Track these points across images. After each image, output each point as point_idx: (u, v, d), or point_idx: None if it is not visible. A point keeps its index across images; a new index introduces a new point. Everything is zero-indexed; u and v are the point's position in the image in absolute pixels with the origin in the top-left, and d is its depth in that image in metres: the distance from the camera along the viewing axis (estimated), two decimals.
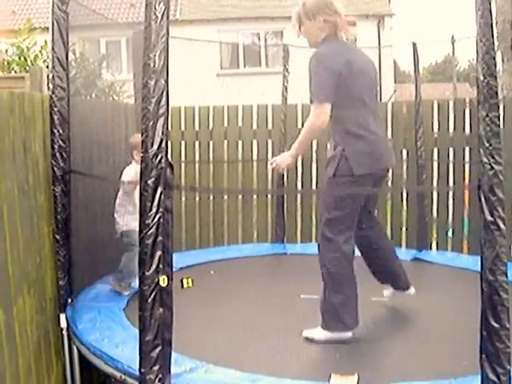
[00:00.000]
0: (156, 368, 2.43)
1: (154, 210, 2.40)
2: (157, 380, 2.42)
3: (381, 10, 16.10)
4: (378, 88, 3.45)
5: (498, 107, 2.14)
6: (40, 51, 6.53)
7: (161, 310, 2.43)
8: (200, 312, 3.78)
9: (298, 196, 6.02)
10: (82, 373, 3.60)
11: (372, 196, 3.40)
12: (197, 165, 5.93)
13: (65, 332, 3.55)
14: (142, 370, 2.44)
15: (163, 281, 2.44)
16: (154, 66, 2.35)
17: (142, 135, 2.39)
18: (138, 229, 3.99)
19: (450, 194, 5.68)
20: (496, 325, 2.20)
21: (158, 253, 2.43)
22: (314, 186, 5.83)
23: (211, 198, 5.96)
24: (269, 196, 5.96)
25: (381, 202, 5.68)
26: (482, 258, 2.23)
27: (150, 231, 2.41)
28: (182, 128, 5.98)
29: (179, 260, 5.00)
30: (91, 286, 4.01)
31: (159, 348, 2.44)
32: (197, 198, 5.97)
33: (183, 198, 5.83)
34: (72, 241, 3.63)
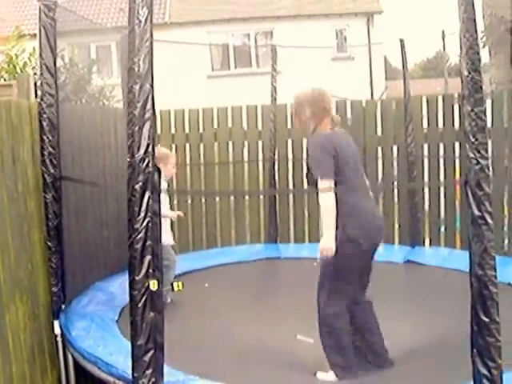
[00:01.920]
0: (149, 372, 2.43)
1: (143, 214, 2.39)
2: None
3: (370, 8, 16.12)
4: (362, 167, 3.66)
5: (483, 102, 2.15)
6: (29, 58, 6.51)
7: (152, 314, 2.43)
8: (193, 325, 3.78)
9: (290, 196, 6.02)
10: (77, 379, 3.59)
11: (367, 270, 3.46)
12: (188, 167, 5.90)
13: (59, 338, 3.53)
14: (135, 375, 2.43)
15: (153, 285, 2.43)
16: (139, 70, 2.35)
17: (128, 140, 2.38)
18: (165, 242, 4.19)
19: (442, 189, 5.70)
20: (486, 319, 2.20)
21: (148, 257, 2.42)
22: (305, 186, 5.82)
23: (203, 199, 5.95)
24: (261, 196, 5.97)
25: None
26: (470, 252, 2.23)
27: (139, 236, 2.40)
28: (172, 131, 5.97)
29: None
30: (84, 293, 3.99)
31: (151, 352, 2.43)
32: (189, 201, 5.96)
33: (175, 201, 5.82)
34: (64, 247, 3.63)
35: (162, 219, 3.99)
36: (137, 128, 2.36)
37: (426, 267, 4.95)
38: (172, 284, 4.27)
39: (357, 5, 16.29)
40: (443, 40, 14.82)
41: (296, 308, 3.93)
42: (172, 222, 5.84)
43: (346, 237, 3.25)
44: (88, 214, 4.16)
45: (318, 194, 3.37)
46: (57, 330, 3.54)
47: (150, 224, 2.41)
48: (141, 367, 2.43)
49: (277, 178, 5.83)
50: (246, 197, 6.04)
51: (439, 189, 5.67)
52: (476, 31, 2.13)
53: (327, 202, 3.25)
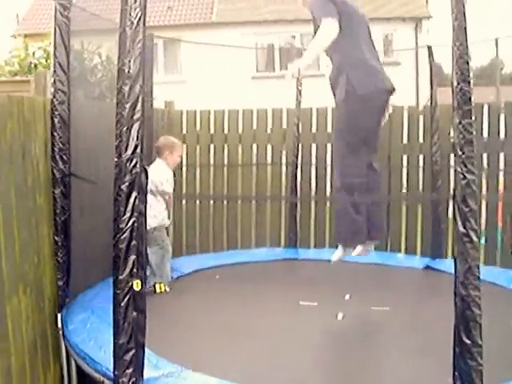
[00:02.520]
0: (129, 371, 2.45)
1: (128, 214, 2.41)
2: (130, 383, 2.43)
3: (418, 13, 15.80)
4: (370, 29, 3.92)
5: (471, 114, 2.06)
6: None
7: (134, 313, 2.45)
8: (196, 317, 3.80)
9: (312, 201, 5.96)
10: (79, 373, 3.64)
11: (375, 128, 3.74)
12: (211, 168, 5.92)
13: (61, 332, 3.59)
14: (116, 373, 2.46)
15: (137, 285, 2.45)
16: (129, 71, 2.36)
17: (115, 140, 2.40)
18: (164, 222, 4.38)
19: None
20: (468, 341, 2.12)
21: (132, 257, 2.44)
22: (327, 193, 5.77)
23: (225, 202, 5.96)
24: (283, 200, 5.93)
25: (395, 208, 5.60)
26: (455, 271, 2.15)
27: (124, 235, 2.42)
28: (198, 131, 6.00)
29: (187, 263, 5.08)
30: (92, 287, 4.04)
31: (132, 352, 2.45)
32: (211, 202, 5.98)
33: (197, 202, 5.85)
34: (72, 242, 3.68)
35: (160, 199, 4.31)
36: (125, 128, 2.38)
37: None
38: (154, 285, 4.32)
39: (405, 9, 15.99)
40: (496, 46, 14.38)
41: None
42: (194, 224, 5.93)
43: (353, 90, 3.51)
44: (98, 211, 4.20)
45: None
46: (60, 324, 3.60)
47: (135, 224, 2.43)
48: (122, 366, 2.45)
49: (299, 182, 5.77)
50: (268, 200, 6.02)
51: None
52: (467, 40, 2.05)
53: (322, 32, 3.43)
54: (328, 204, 5.74)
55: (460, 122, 2.07)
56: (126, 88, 2.37)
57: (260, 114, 5.91)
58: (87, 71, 6.11)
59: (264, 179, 5.92)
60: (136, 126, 2.39)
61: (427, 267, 5.02)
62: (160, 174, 4.41)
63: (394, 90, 3.84)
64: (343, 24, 3.48)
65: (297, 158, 5.73)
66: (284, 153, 5.89)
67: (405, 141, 5.65)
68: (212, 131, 5.98)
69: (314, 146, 5.82)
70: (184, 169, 5.93)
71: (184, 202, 6.03)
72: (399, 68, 15.64)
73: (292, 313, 3.87)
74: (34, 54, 7.10)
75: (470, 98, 2.05)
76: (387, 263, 5.19)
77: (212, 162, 5.97)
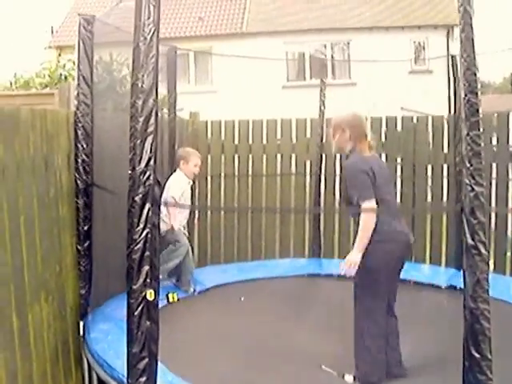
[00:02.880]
0: (142, 380, 2.48)
1: (142, 225, 2.45)
2: None
3: (450, 20, 15.64)
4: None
5: (479, 125, 2.04)
6: (95, 66, 6.81)
7: (148, 323, 2.48)
8: (214, 336, 3.83)
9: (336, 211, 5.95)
10: (100, 381, 3.70)
11: (395, 285, 3.65)
12: (236, 178, 5.97)
13: (83, 340, 3.66)
14: (130, 382, 2.49)
15: (150, 295, 2.49)
16: (142, 86, 2.41)
17: (129, 153, 2.45)
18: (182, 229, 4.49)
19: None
20: (477, 355, 2.09)
21: (146, 267, 2.47)
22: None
23: (249, 212, 6.00)
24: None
25: (420, 218, 5.55)
26: (464, 284, 2.13)
27: (137, 246, 2.46)
28: (223, 141, 6.06)
29: (210, 275, 5.08)
30: (116, 297, 4.10)
31: (146, 360, 2.49)
32: (235, 212, 6.02)
33: (222, 212, 5.90)
34: (94, 251, 3.76)
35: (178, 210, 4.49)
36: (138, 141, 2.42)
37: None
38: (167, 295, 4.37)
39: (437, 17, 15.86)
40: None
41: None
42: (218, 234, 5.99)
43: (382, 252, 3.42)
44: (120, 221, 4.28)
45: (354, 213, 3.57)
46: (82, 331, 3.67)
47: (148, 235, 2.47)
48: (135, 375, 2.49)
49: (323, 192, 5.77)
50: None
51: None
52: (474, 52, 2.03)
53: (368, 222, 3.40)
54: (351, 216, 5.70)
55: (468, 134, 2.05)
56: (140, 102, 2.41)
57: (284, 124, 5.94)
58: (116, 82, 6.23)
59: (288, 189, 5.94)
60: (149, 139, 2.43)
61: (450, 287, 4.91)
62: (170, 185, 4.64)
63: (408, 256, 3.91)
64: (374, 190, 3.45)
65: (320, 168, 5.73)
66: (308, 163, 5.90)
67: (430, 150, 5.59)
68: (236, 141, 6.03)
69: (337, 157, 5.81)
70: (209, 178, 5.99)
71: (209, 212, 6.09)
72: (431, 76, 15.54)
73: (306, 340, 3.84)
74: (64, 65, 7.26)
75: (477, 110, 2.04)
76: (411, 277, 5.07)
77: (236, 172, 6.00)
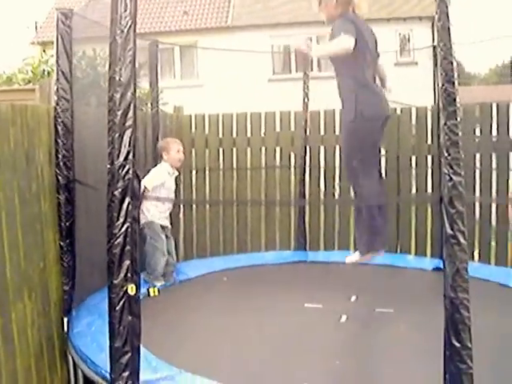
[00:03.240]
0: (125, 374, 2.48)
1: (122, 219, 2.44)
2: None
3: (434, 11, 15.64)
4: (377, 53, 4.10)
5: (457, 115, 2.05)
6: (79, 61, 6.77)
7: (129, 317, 2.48)
8: (198, 320, 3.84)
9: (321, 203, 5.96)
10: (86, 377, 3.69)
11: (378, 148, 4.21)
12: (221, 172, 5.97)
13: (67, 336, 3.64)
14: (113, 376, 2.49)
15: (131, 289, 2.48)
16: (120, 79, 2.39)
17: (108, 147, 2.43)
18: (160, 221, 4.49)
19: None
20: (458, 344, 2.10)
21: (127, 262, 2.47)
22: (336, 195, 5.77)
23: (235, 205, 5.99)
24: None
25: (405, 209, 5.58)
26: (444, 274, 2.14)
27: (118, 241, 2.45)
28: (206, 135, 6.05)
29: (196, 267, 5.11)
30: (100, 291, 4.08)
31: (128, 355, 2.48)
32: (220, 205, 6.01)
33: (207, 206, 5.89)
34: (77, 247, 3.74)
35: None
36: (117, 135, 2.41)
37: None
38: (148, 289, 4.37)
39: (421, 8, 15.89)
40: None
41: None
42: (204, 228, 5.98)
43: (362, 113, 3.77)
44: (103, 216, 4.26)
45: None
46: (66, 327, 3.66)
47: (128, 229, 2.46)
48: (118, 369, 2.49)
49: (308, 185, 5.78)
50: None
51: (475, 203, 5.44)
52: (450, 41, 2.04)
53: (336, 43, 3.64)
54: (337, 207, 5.73)
55: (445, 123, 2.06)
56: (118, 95, 2.40)
57: (268, 117, 5.93)
58: (100, 77, 6.19)
59: (273, 182, 5.94)
60: (128, 133, 2.41)
61: (436, 269, 4.96)
62: (148, 176, 4.62)
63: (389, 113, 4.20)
64: (358, 45, 3.64)
65: (305, 160, 5.73)
66: (293, 156, 5.90)
67: (413, 142, 5.61)
68: (221, 135, 6.01)
69: (322, 149, 5.81)
70: (194, 172, 5.98)
71: (194, 206, 6.08)
72: (417, 67, 15.59)
73: (296, 315, 3.88)
74: (47, 61, 7.19)
75: (454, 99, 2.04)
76: (397, 264, 5.17)
77: (221, 165, 5.99)
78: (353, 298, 4.17)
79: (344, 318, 3.77)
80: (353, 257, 4.29)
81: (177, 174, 4.87)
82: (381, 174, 4.28)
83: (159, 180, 4.60)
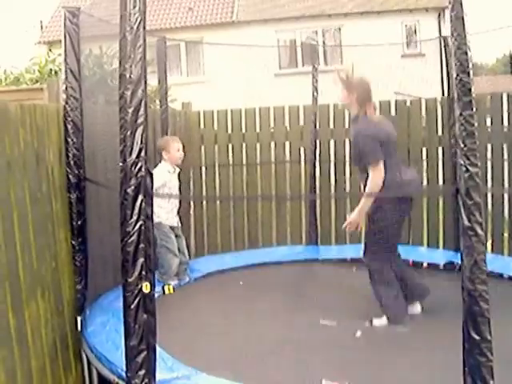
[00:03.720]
0: (141, 373, 2.47)
1: (135, 217, 2.44)
2: None
3: (440, 2, 15.55)
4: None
5: (472, 105, 2.02)
6: (86, 60, 6.76)
7: (144, 316, 2.47)
8: (213, 320, 3.83)
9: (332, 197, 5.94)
10: (100, 375, 3.69)
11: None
12: (230, 168, 5.95)
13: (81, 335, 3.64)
14: (129, 375, 2.48)
15: (146, 287, 2.47)
16: (130, 76, 2.38)
17: (120, 144, 2.42)
18: (168, 222, 4.44)
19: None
20: (477, 337, 2.08)
21: (141, 260, 2.46)
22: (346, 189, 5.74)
23: (245, 200, 5.98)
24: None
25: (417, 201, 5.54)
26: (461, 266, 2.11)
27: (131, 239, 2.44)
28: (216, 131, 6.03)
29: (208, 264, 5.09)
30: (113, 290, 4.08)
31: (144, 353, 2.48)
32: (231, 201, 6.00)
33: (218, 202, 5.88)
34: (89, 246, 3.74)
35: (165, 199, 4.40)
36: (129, 133, 2.40)
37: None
38: (163, 287, 4.35)
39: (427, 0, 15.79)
40: None
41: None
42: (215, 224, 5.96)
43: (390, 205, 3.72)
44: (115, 215, 4.26)
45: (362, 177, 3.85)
46: (79, 326, 3.66)
47: (142, 227, 2.45)
48: (134, 368, 2.48)
49: (318, 179, 5.75)
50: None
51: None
52: (464, 30, 2.01)
53: (375, 184, 3.69)
54: (348, 200, 5.70)
55: (461, 114, 2.03)
56: (128, 93, 2.38)
57: (277, 111, 5.91)
58: (107, 75, 6.18)
59: (283, 177, 5.92)
60: (140, 130, 2.40)
61: (449, 263, 4.93)
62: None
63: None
64: (385, 152, 3.74)
65: (315, 155, 5.71)
66: (302, 150, 5.88)
67: (424, 134, 5.58)
68: (230, 131, 5.99)
69: (332, 142, 5.78)
70: (203, 169, 5.96)
71: (204, 202, 6.07)
72: (424, 59, 15.48)
73: (307, 317, 3.85)
74: (54, 60, 7.20)
75: (469, 89, 2.01)
76: (410, 258, 5.10)
77: (231, 161, 5.97)
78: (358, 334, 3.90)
79: (359, 333, 3.69)
80: (380, 321, 3.88)
81: (178, 170, 4.80)
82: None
83: (160, 181, 4.49)
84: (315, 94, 5.70)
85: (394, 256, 3.95)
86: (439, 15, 15.87)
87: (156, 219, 4.50)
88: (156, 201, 4.42)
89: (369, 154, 3.72)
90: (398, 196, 3.77)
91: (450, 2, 2.04)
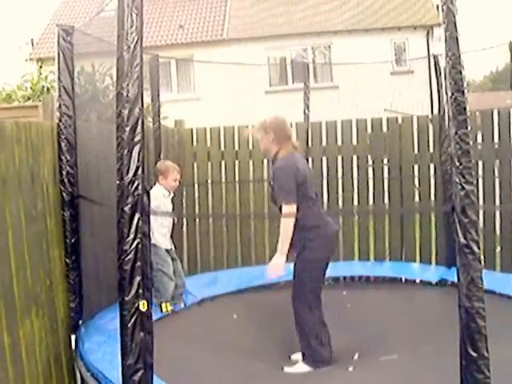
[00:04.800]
0: None
1: (132, 236, 2.43)
2: None
3: (429, 20, 15.78)
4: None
5: (467, 124, 2.05)
6: (77, 77, 6.77)
7: (141, 334, 2.45)
8: (207, 351, 3.78)
9: None
10: None
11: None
12: (223, 185, 5.96)
13: (75, 353, 3.61)
14: None
15: (143, 305, 2.46)
16: (128, 95, 2.39)
17: (117, 163, 2.42)
18: (163, 245, 4.37)
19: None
20: (474, 354, 2.08)
21: (137, 278, 2.45)
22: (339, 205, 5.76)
23: (238, 218, 5.98)
24: None
25: (409, 218, 5.57)
26: (458, 283, 2.13)
27: (128, 257, 2.43)
28: (208, 148, 6.05)
29: (201, 286, 5.02)
30: (108, 309, 4.05)
31: (141, 372, 2.46)
32: (224, 219, 6.00)
33: (210, 219, 5.88)
34: (84, 264, 3.72)
35: (159, 223, 4.34)
36: (126, 151, 2.40)
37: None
38: (160, 305, 4.32)
39: (416, 18, 15.99)
40: (511, 51, 14.27)
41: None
42: (208, 241, 5.95)
43: (313, 252, 3.71)
44: (109, 233, 4.25)
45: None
46: (74, 345, 3.63)
47: (139, 245, 2.44)
48: None
49: None
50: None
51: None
52: (459, 50, 2.04)
53: (287, 226, 3.64)
54: (341, 217, 5.72)
55: (456, 133, 2.06)
56: (125, 111, 2.39)
57: None
58: (99, 93, 6.19)
59: None
60: (137, 149, 2.40)
61: (442, 280, 4.93)
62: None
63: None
64: (300, 188, 3.68)
65: None
66: None
67: (416, 150, 5.63)
68: (222, 148, 6.01)
69: (324, 160, 5.81)
70: (196, 186, 5.97)
71: (197, 220, 6.06)
72: (412, 76, 15.64)
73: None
74: (46, 77, 7.21)
75: (464, 108, 2.04)
76: (402, 276, 5.10)
77: (223, 178, 5.99)
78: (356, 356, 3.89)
79: (351, 368, 3.66)
80: (297, 367, 3.77)
81: (172, 195, 4.74)
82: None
83: (154, 204, 4.43)
84: (307, 111, 5.74)
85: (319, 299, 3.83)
86: (428, 33, 16.06)
87: (152, 240, 4.46)
88: (153, 224, 4.39)
89: (284, 192, 3.67)
90: (324, 235, 3.75)
91: (443, 22, 2.07)
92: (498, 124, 5.43)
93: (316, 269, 3.76)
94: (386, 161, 5.53)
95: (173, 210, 4.84)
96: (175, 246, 4.83)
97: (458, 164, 2.06)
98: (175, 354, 3.64)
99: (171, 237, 4.74)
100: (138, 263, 2.44)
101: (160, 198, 4.53)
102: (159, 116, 5.27)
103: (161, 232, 4.53)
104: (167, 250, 4.61)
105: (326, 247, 3.79)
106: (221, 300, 4.82)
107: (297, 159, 3.83)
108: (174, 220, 4.75)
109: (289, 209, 3.64)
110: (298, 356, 3.83)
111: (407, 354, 3.59)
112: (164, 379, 2.96)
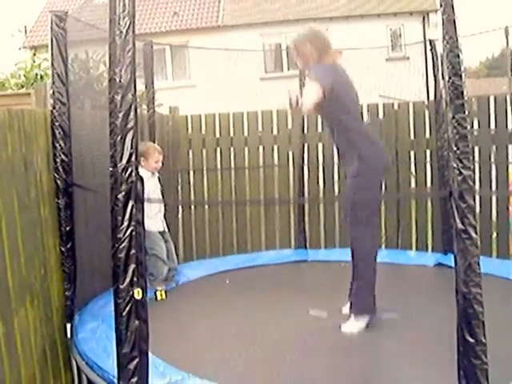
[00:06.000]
0: (134, 380, 2.44)
1: (126, 223, 2.40)
2: None
3: (425, 6, 15.70)
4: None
5: (465, 108, 2.02)
6: (71, 64, 6.70)
7: (136, 322, 2.44)
8: (204, 323, 3.80)
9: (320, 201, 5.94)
10: (91, 382, 3.65)
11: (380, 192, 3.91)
12: (219, 172, 5.93)
13: (70, 342, 3.60)
14: (121, 382, 2.45)
15: (138, 293, 2.44)
16: (120, 80, 2.35)
17: (110, 149, 2.39)
18: (153, 227, 4.34)
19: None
20: (471, 340, 2.08)
21: (132, 266, 2.42)
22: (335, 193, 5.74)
23: (233, 205, 5.96)
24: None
25: (405, 205, 5.57)
26: (455, 269, 2.12)
27: (123, 245, 2.41)
28: (203, 135, 6.01)
29: (196, 268, 5.07)
30: (102, 296, 4.04)
31: (136, 360, 2.44)
32: (219, 206, 5.98)
33: (206, 206, 5.85)
34: (78, 252, 3.70)
35: (147, 204, 4.29)
36: (119, 138, 2.37)
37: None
38: (155, 293, 4.32)
39: (411, 3, 15.91)
40: (507, 37, 14.17)
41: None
42: (203, 228, 5.93)
43: (367, 167, 3.55)
44: (104, 220, 4.22)
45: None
46: (69, 333, 3.62)
47: (133, 233, 2.42)
48: (126, 375, 2.44)
49: (307, 182, 5.75)
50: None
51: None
52: (456, 33, 2.01)
53: (306, 94, 3.38)
54: (337, 203, 5.70)
55: (453, 117, 2.03)
56: (118, 97, 2.36)
57: (265, 115, 5.90)
58: (93, 80, 6.13)
59: (271, 181, 5.91)
60: (130, 135, 2.38)
61: (439, 264, 4.95)
62: None
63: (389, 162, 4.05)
64: (338, 97, 3.51)
65: (303, 158, 5.71)
66: (291, 154, 5.88)
67: (412, 136, 5.60)
68: (218, 135, 5.97)
69: (320, 146, 5.79)
70: (191, 173, 5.94)
71: (192, 207, 6.04)
72: (408, 62, 15.57)
73: (299, 318, 3.83)
74: (39, 65, 7.14)
75: (462, 92, 2.02)
76: (398, 261, 5.14)
77: (219, 165, 5.95)
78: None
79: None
80: (353, 326, 3.67)
81: (157, 175, 4.67)
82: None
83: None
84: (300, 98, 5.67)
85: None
86: (423, 19, 15.99)
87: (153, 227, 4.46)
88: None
89: (313, 74, 3.47)
90: (376, 151, 3.65)
91: (441, 5, 2.04)
92: (495, 110, 5.40)
93: (370, 187, 3.62)
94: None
95: (162, 189, 4.79)
96: (169, 229, 4.81)
97: (455, 149, 2.04)
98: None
99: (165, 218, 4.72)
100: (133, 251, 2.42)
101: (145, 181, 4.47)
102: (153, 103, 5.23)
103: (150, 215, 4.48)
104: (160, 232, 4.59)
105: (379, 163, 3.65)
106: (213, 276, 4.97)
107: (337, 67, 3.66)
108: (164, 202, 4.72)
109: (312, 84, 3.38)
110: (346, 309, 3.76)
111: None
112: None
